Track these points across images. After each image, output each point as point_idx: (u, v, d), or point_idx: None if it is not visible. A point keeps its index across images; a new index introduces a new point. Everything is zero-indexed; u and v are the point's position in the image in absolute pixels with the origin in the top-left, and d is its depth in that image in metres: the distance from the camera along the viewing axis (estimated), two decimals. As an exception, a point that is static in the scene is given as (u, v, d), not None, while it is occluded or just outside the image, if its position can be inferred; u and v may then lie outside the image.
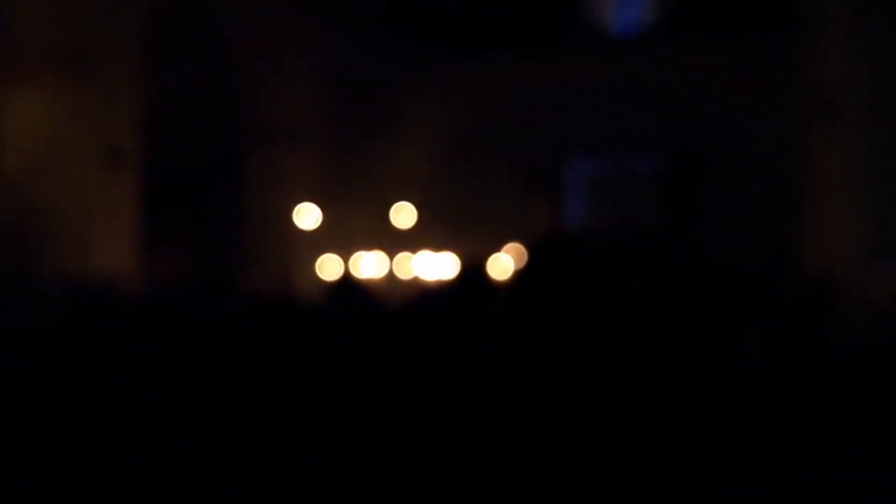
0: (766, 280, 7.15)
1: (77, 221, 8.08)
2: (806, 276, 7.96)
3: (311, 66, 11.96)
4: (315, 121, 12.11)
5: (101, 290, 6.10)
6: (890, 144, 7.62)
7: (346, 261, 10.91)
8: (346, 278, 8.63)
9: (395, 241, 12.22)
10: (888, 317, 5.51)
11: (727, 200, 13.22)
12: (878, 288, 6.41)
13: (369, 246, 11.50)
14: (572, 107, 13.66)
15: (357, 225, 12.90)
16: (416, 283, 10.64)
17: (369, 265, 10.93)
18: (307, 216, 11.30)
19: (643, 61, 12.75)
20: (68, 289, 6.27)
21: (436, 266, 10.96)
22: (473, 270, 4.67)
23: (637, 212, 13.75)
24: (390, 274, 11.23)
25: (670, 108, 13.17)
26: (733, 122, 12.73)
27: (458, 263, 10.01)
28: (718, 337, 4.77)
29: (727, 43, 12.11)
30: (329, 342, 4.04)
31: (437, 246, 11.35)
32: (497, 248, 9.65)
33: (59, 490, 3.14)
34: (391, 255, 11.34)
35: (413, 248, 11.51)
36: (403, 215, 12.37)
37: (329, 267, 10.69)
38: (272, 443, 3.14)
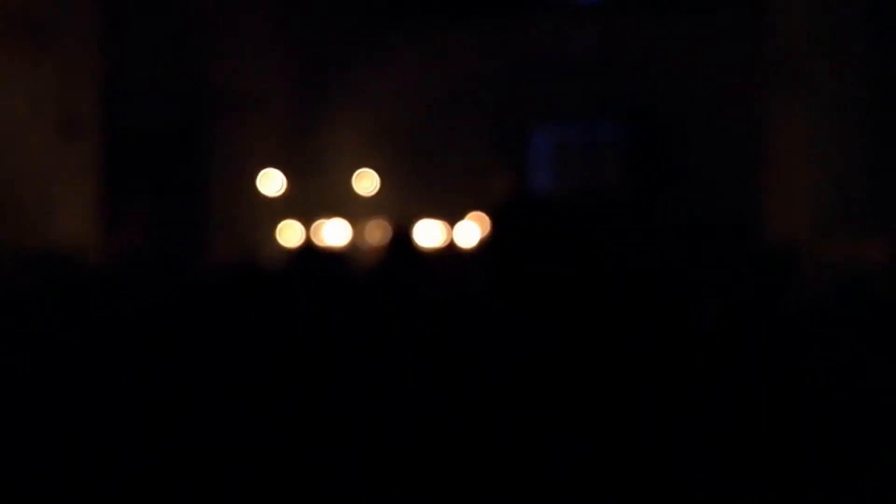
0: (725, 248, 7.20)
1: (35, 192, 7.98)
2: (766, 245, 8.03)
3: (273, 32, 11.84)
4: (277, 87, 12.01)
5: (62, 261, 6.03)
6: (851, 113, 7.68)
7: (308, 228, 10.84)
8: (309, 246, 8.58)
9: (359, 209, 12.18)
10: (848, 286, 5.57)
11: (689, 168, 13.30)
12: (839, 257, 6.48)
13: (332, 213, 11.44)
14: (536, 75, 13.63)
15: (321, 192, 12.85)
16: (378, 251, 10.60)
17: (331, 232, 10.85)
18: (271, 182, 11.19)
19: (606, 29, 12.74)
20: (28, 260, 6.20)
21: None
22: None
23: (601, 179, 13.80)
24: (353, 241, 11.18)
25: (633, 75, 13.19)
26: (696, 89, 12.77)
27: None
28: (680, 304, 4.81)
29: (690, 10, 12.12)
30: (296, 309, 4.03)
31: (402, 214, 11.32)
32: (461, 217, 9.65)
33: (23, 466, 3.11)
34: (355, 223, 11.28)
35: (377, 216, 11.46)
36: (366, 182, 12.30)
37: (289, 234, 10.61)
38: (242, 415, 3.13)
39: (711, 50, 12.07)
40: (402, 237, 4.56)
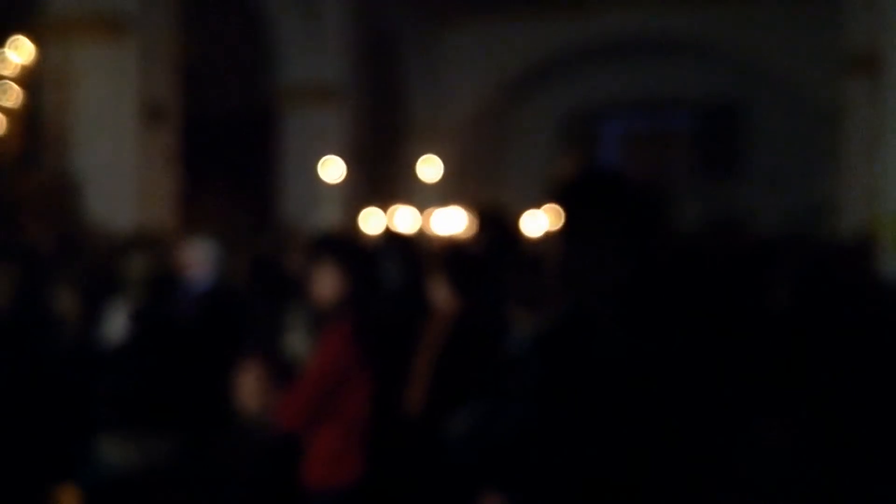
0: (802, 237, 7.16)
1: (119, 177, 8.18)
2: (842, 234, 7.98)
3: (345, 22, 11.94)
4: (348, 77, 12.12)
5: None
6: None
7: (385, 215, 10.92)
8: (390, 231, 8.64)
9: (425, 196, 12.28)
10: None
11: (763, 158, 13.21)
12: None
13: (401, 200, 11.51)
14: (607, 63, 13.61)
15: (389, 179, 12.97)
16: (445, 239, 10.65)
17: (403, 219, 10.91)
18: (332, 169, 11.28)
19: (679, 18, 12.67)
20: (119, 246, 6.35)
21: (464, 222, 10.92)
22: (493, 219, 4.68)
23: (670, 168, 13.74)
24: (421, 229, 11.24)
25: (706, 65, 13.11)
26: (770, 79, 12.67)
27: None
28: (756, 291, 4.81)
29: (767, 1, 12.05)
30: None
31: (469, 202, 11.36)
32: (532, 205, 9.67)
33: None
34: (421, 210, 11.34)
35: (443, 204, 11.51)
36: (431, 168, 12.34)
37: (372, 220, 10.70)
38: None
39: (787, 39, 11.97)
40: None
